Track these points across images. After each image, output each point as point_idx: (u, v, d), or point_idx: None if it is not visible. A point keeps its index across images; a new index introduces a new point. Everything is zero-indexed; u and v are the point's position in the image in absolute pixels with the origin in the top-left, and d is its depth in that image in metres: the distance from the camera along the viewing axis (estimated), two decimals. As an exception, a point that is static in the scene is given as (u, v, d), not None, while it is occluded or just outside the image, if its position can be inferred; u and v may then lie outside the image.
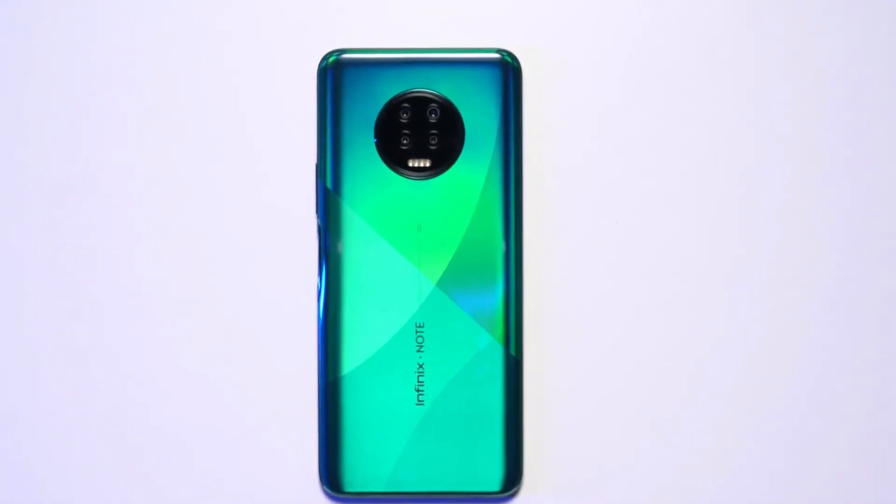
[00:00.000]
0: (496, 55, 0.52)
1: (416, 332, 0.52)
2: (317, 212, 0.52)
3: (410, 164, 0.52)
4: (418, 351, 0.52)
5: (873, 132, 0.54)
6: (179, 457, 0.53)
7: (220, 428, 0.53)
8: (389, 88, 0.52)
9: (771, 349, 0.54)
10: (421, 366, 0.52)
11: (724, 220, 0.54)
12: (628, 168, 0.54)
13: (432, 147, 0.52)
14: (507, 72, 0.52)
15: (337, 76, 0.52)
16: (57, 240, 0.53)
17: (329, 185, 0.52)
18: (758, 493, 0.53)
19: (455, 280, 0.52)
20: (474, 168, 0.52)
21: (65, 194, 0.54)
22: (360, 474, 0.52)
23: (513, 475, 0.52)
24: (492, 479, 0.52)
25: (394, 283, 0.52)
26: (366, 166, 0.52)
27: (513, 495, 0.53)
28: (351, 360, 0.52)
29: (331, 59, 0.52)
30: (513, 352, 0.52)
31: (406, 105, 0.52)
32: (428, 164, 0.52)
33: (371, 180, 0.52)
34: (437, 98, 0.52)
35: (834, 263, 0.54)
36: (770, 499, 0.53)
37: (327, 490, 0.52)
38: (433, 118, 0.52)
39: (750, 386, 0.54)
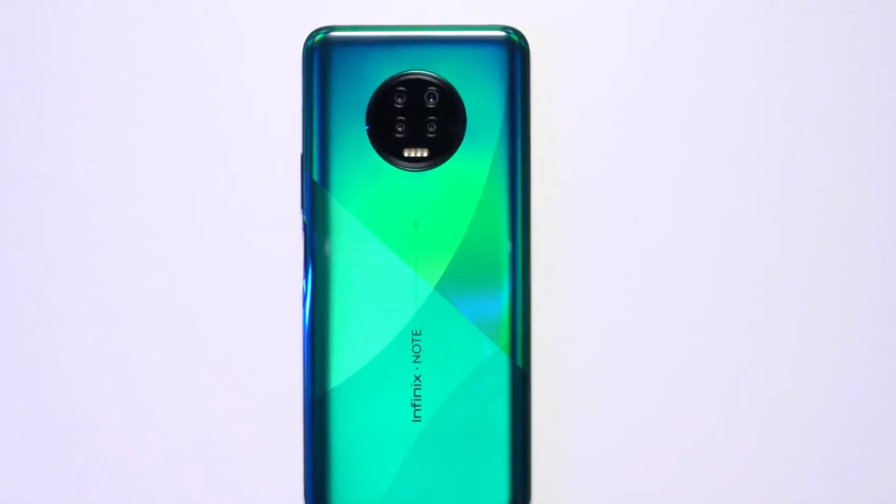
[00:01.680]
0: (501, 34, 0.52)
1: (413, 340, 0.51)
2: (302, 207, 0.51)
3: (406, 154, 0.52)
4: (415, 361, 0.51)
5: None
6: (153, 480, 0.53)
7: (197, 445, 0.53)
8: (383, 70, 0.51)
9: (800, 365, 0.53)
10: (418, 378, 0.51)
11: (754, 216, 0.53)
12: (647, 160, 0.53)
13: (430, 135, 0.52)
14: (513, 52, 0.51)
15: (325, 56, 0.51)
16: (14, 240, 0.53)
17: (316, 177, 0.51)
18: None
19: (455, 283, 0.51)
20: (477, 158, 0.51)
21: (23, 189, 0.53)
22: (350, 497, 0.51)
23: (519, 497, 0.51)
24: (496, 503, 0.51)
25: (388, 287, 0.51)
26: (357, 156, 0.51)
27: (519, 519, 0.53)
28: (340, 371, 0.51)
29: (318, 38, 0.52)
30: (519, 362, 0.51)
31: (401, 88, 0.52)
32: (425, 154, 0.52)
33: (362, 172, 0.51)
34: (435, 81, 0.51)
35: (870, 263, 0.53)
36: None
37: (314, 515, 0.52)
38: (431, 103, 0.52)
39: (777, 401, 0.53)
